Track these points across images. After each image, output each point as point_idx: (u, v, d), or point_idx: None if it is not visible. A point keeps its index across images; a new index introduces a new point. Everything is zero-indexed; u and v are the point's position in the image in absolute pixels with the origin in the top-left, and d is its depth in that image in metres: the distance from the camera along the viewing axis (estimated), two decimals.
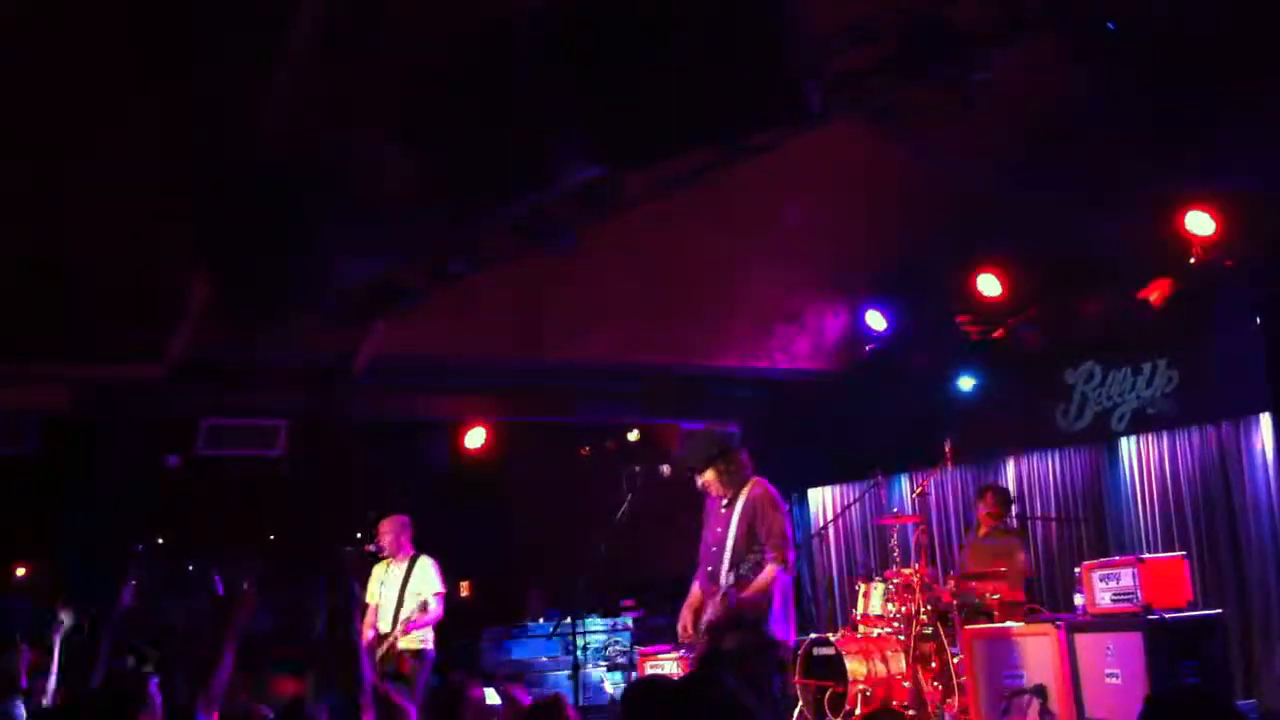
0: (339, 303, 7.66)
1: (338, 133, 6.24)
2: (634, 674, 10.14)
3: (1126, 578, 7.10)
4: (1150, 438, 9.00)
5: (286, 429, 9.73)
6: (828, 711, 8.23)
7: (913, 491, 9.63)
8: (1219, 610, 7.68)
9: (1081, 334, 9.11)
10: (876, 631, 8.56)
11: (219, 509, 11.47)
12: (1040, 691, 7.23)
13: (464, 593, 12.72)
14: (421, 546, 8.69)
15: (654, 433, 11.79)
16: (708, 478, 6.56)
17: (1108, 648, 7.02)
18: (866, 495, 10.75)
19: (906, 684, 8.09)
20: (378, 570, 8.69)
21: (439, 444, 11.33)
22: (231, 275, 6.86)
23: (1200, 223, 7.83)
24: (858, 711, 8.03)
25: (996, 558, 8.49)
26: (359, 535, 9.60)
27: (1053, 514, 9.66)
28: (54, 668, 6.74)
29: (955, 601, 8.13)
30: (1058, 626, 7.31)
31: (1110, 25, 6.11)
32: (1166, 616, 6.91)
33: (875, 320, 10.22)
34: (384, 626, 8.39)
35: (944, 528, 10.49)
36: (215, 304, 7.68)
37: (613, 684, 10.73)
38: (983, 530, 8.91)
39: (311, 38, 5.90)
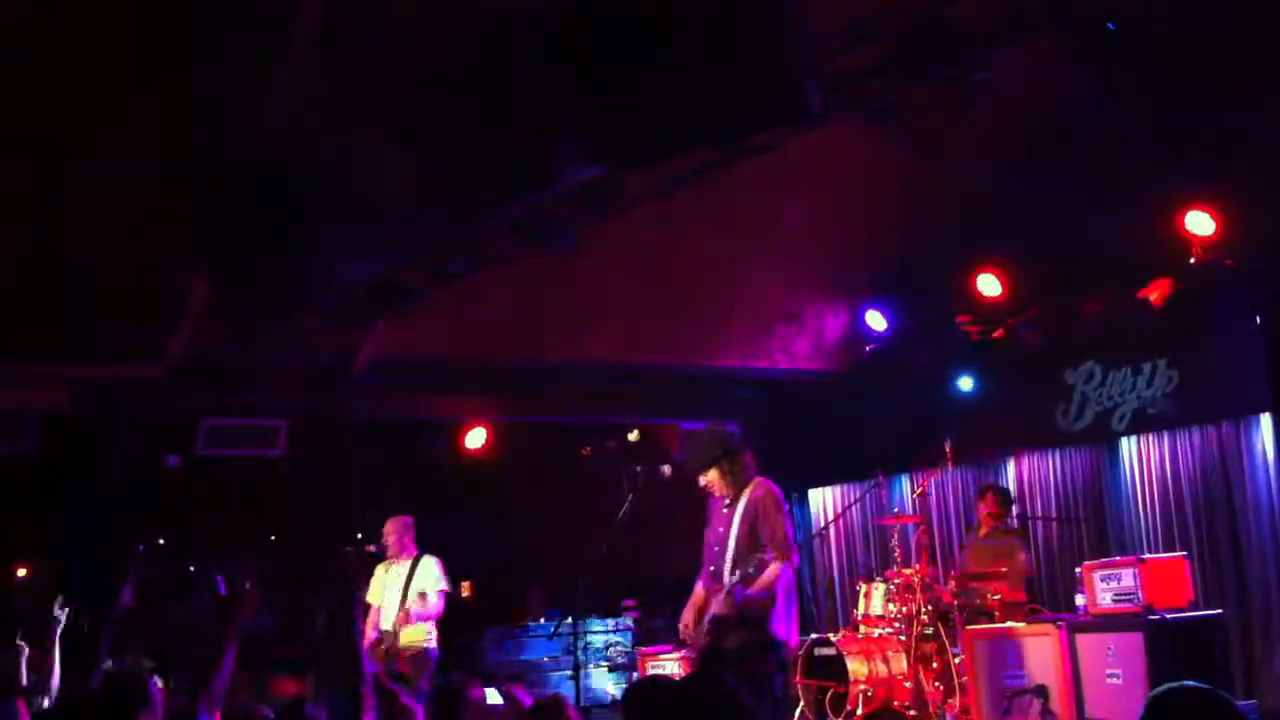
0: (339, 303, 7.65)
1: (338, 133, 6.24)
2: (635, 674, 10.14)
3: (1127, 578, 7.10)
4: (1151, 438, 9.00)
5: (286, 429, 9.73)
6: (829, 712, 8.23)
7: (913, 491, 9.63)
8: (1220, 610, 7.68)
9: (1082, 334, 9.10)
10: (878, 632, 8.56)
11: (219, 509, 11.47)
12: (1041, 692, 7.23)
13: (465, 593, 12.72)
14: (423, 547, 8.70)
15: (655, 433, 11.79)
16: (710, 478, 6.55)
17: (1109, 648, 7.02)
18: (867, 495, 10.75)
19: (908, 684, 8.09)
20: (379, 571, 8.70)
21: (439, 444, 11.33)
22: (231, 275, 6.86)
23: (1200, 222, 7.83)
24: (859, 712, 8.03)
25: (997, 558, 8.48)
26: (359, 535, 9.61)
27: (1053, 514, 9.66)
28: (55, 666, 6.74)
29: (956, 602, 8.13)
30: (1059, 627, 7.31)
31: (1110, 25, 6.11)
32: (1167, 617, 6.91)
33: (875, 320, 10.22)
34: (386, 627, 8.40)
35: (945, 528, 10.48)
36: (215, 304, 7.68)
37: (614, 684, 10.72)
38: (983, 530, 8.91)
39: (311, 38, 5.90)
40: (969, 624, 7.98)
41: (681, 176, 6.85)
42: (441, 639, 8.60)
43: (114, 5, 5.94)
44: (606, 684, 10.78)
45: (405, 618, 8.30)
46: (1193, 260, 7.97)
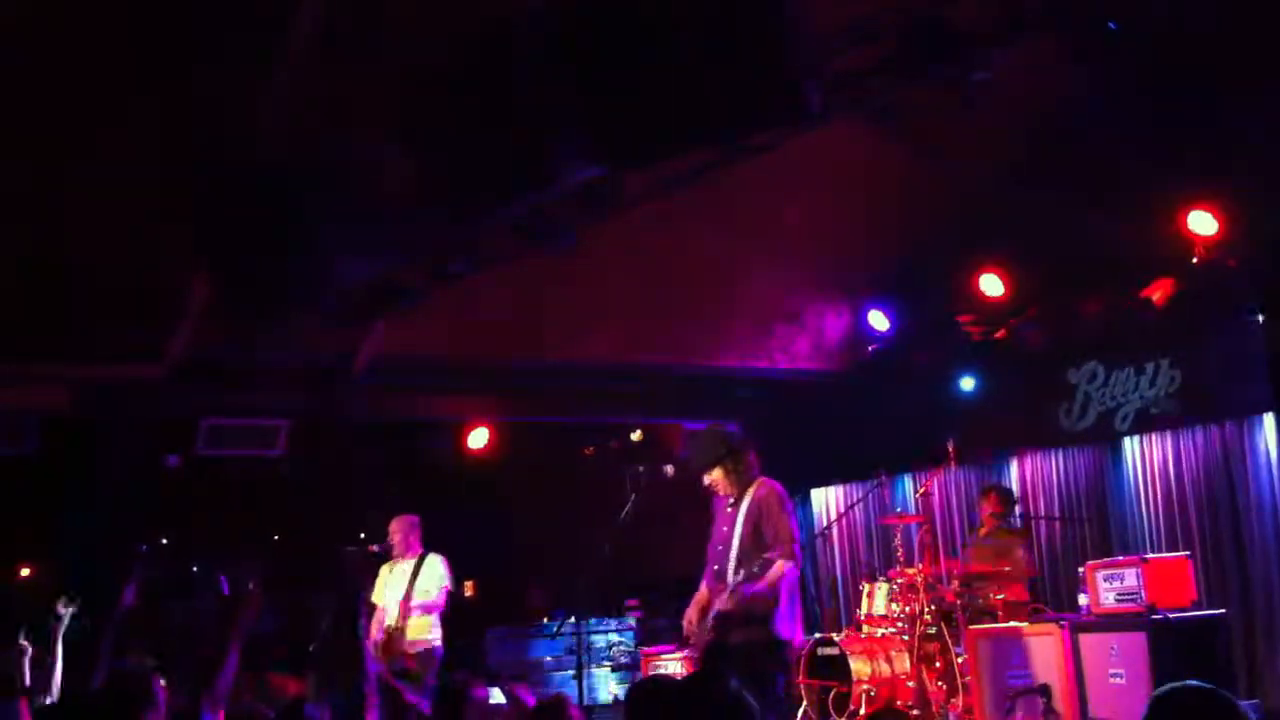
0: (339, 303, 7.65)
1: (338, 133, 6.23)
2: (638, 674, 10.13)
3: (1130, 578, 7.10)
4: (1154, 437, 8.99)
5: (287, 429, 9.73)
6: (832, 711, 8.23)
7: (916, 491, 9.63)
8: (1223, 610, 7.68)
9: (1084, 334, 9.10)
10: (880, 631, 8.55)
11: (220, 509, 11.48)
12: (1044, 691, 7.23)
13: (468, 593, 12.73)
14: (427, 547, 8.72)
15: (658, 433, 11.78)
16: (714, 477, 6.54)
17: (1112, 648, 7.01)
18: (870, 495, 10.74)
19: (911, 684, 8.09)
20: (384, 571, 8.72)
21: (440, 444, 11.33)
22: (231, 275, 6.85)
23: (1203, 222, 7.82)
24: (862, 712, 8.03)
25: (999, 557, 8.49)
26: (362, 535, 9.61)
27: (1056, 514, 9.66)
28: (57, 664, 6.73)
29: (959, 601, 8.12)
30: (1062, 626, 7.31)
31: (1110, 25, 6.11)
32: (1170, 616, 6.91)
33: (878, 320, 10.21)
34: (390, 623, 8.42)
35: (947, 527, 10.47)
36: (215, 304, 7.67)
37: (617, 684, 10.72)
38: (985, 530, 8.91)
39: (311, 38, 5.90)
40: (972, 624, 7.98)
41: (681, 176, 6.85)
42: (445, 638, 8.61)
43: (114, 5, 5.94)
44: (609, 684, 10.77)
45: (407, 609, 8.34)
46: (1195, 260, 7.97)
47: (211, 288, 7.49)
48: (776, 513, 6.35)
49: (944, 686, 8.10)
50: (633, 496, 7.84)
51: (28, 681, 6.73)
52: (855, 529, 11.47)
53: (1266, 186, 7.51)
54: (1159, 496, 8.93)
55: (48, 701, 6.31)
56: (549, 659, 10.81)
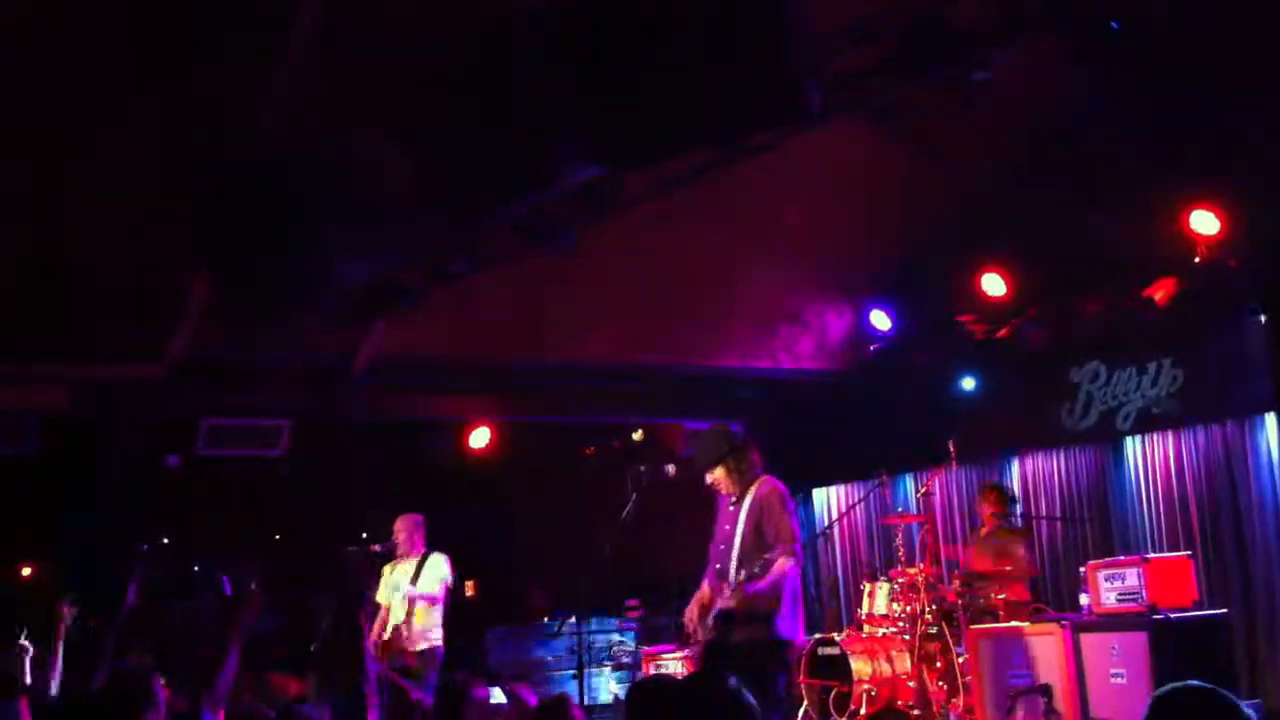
0: (339, 303, 7.65)
1: (338, 133, 6.23)
2: (638, 674, 10.14)
3: (1132, 577, 7.09)
4: (1155, 437, 8.98)
5: (287, 429, 9.73)
6: (833, 711, 8.23)
7: (917, 491, 9.63)
8: (1224, 610, 7.67)
9: (1086, 333, 9.09)
10: (881, 631, 8.55)
11: (220, 509, 11.48)
12: (1045, 691, 7.22)
13: (468, 593, 12.73)
14: (430, 546, 8.73)
15: (659, 432, 11.78)
16: (716, 475, 6.53)
17: (1113, 647, 7.01)
18: (871, 495, 10.74)
19: (911, 684, 8.09)
20: (386, 571, 8.73)
21: (440, 444, 11.33)
22: (231, 275, 6.85)
23: (1204, 222, 7.81)
24: (863, 711, 8.03)
25: (1000, 556, 8.49)
26: (364, 535, 9.61)
27: (1058, 514, 9.65)
28: (58, 663, 6.74)
29: (960, 601, 8.12)
30: (1063, 626, 7.30)
31: (1111, 25, 6.10)
32: (1172, 616, 6.90)
33: (880, 320, 10.21)
34: (396, 622, 8.46)
35: (949, 527, 10.47)
36: (215, 304, 7.68)
37: (617, 684, 10.72)
38: (985, 530, 8.91)
39: (311, 38, 5.89)
40: (973, 623, 7.97)
41: (681, 176, 6.85)
42: (445, 638, 8.62)
43: (114, 5, 5.93)
44: (610, 683, 10.77)
45: (411, 605, 8.37)
46: (1197, 259, 7.96)
47: (211, 288, 7.49)
48: (778, 511, 6.34)
49: (945, 686, 8.10)
50: (633, 496, 7.83)
51: (29, 681, 6.73)
52: (856, 529, 11.46)
53: (1267, 186, 7.51)
54: (1160, 496, 8.92)
55: (49, 701, 6.32)
56: (550, 659, 10.82)
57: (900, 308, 10.10)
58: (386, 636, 8.42)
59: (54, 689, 6.77)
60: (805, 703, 8.45)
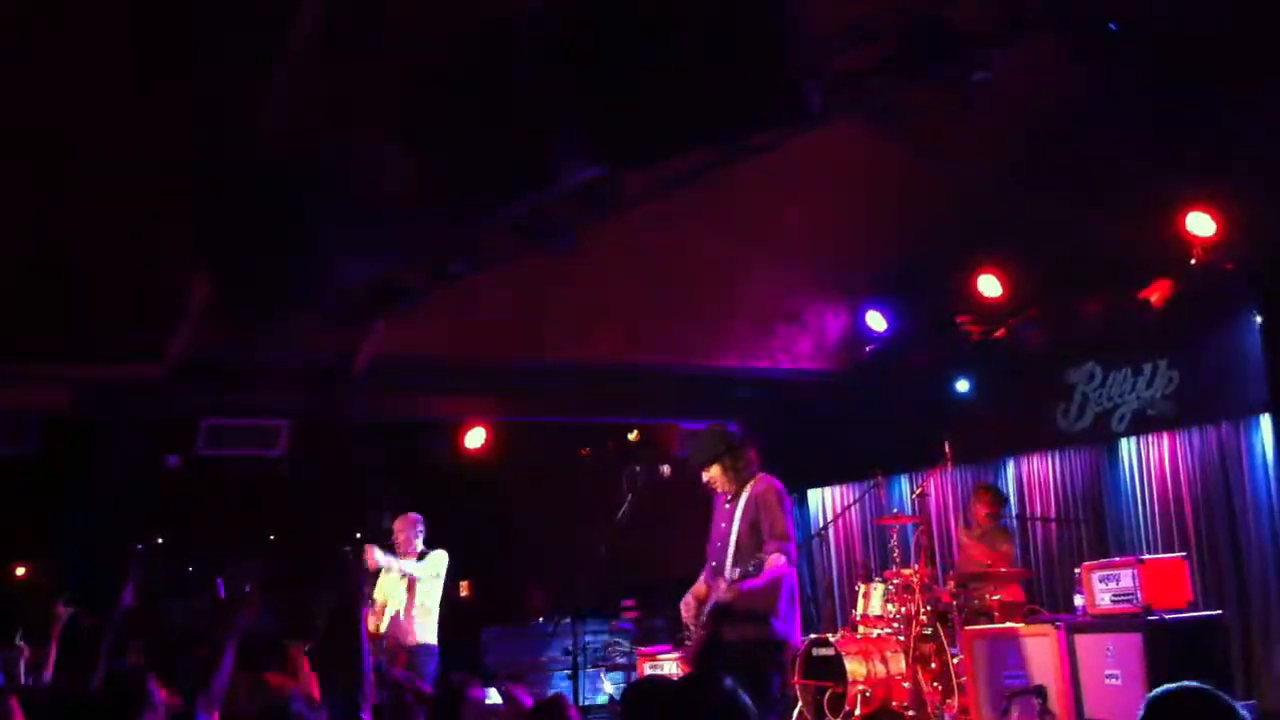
0: (339, 303, 7.66)
1: (338, 133, 6.23)
2: (634, 674, 10.14)
3: (1126, 578, 7.10)
4: (1151, 438, 8.99)
5: (287, 429, 9.73)
6: (827, 712, 8.23)
7: (913, 492, 9.63)
8: (1219, 611, 7.68)
9: (1082, 334, 9.10)
10: (876, 632, 8.56)
11: (219, 509, 11.47)
12: (1040, 692, 7.23)
13: (464, 593, 12.73)
14: (430, 546, 8.75)
15: (655, 433, 11.79)
16: (713, 474, 6.55)
17: (1108, 648, 7.01)
18: (866, 496, 10.75)
19: (906, 684, 8.09)
20: (384, 570, 8.74)
21: (439, 444, 11.33)
22: (231, 275, 6.86)
23: (1201, 223, 7.82)
24: (857, 712, 8.03)
25: (990, 549, 8.57)
26: (359, 535, 9.61)
27: (1053, 515, 9.66)
28: (51, 661, 6.74)
29: (955, 602, 8.13)
30: (1058, 627, 7.31)
31: (1111, 25, 6.11)
32: (1166, 617, 6.91)
33: (875, 321, 10.22)
34: (392, 622, 8.49)
35: (944, 528, 10.48)
36: (215, 304, 7.68)
37: (613, 684, 10.73)
38: (977, 531, 8.96)
39: (311, 38, 5.89)
40: (968, 624, 7.98)
41: (681, 176, 6.86)
42: (441, 638, 8.63)
43: (114, 5, 5.94)
44: (606, 684, 10.78)
45: (411, 603, 8.38)
46: (1193, 261, 7.97)
47: (211, 288, 7.49)
48: (774, 508, 6.35)
49: (939, 687, 8.11)
50: (629, 497, 7.84)
51: (23, 681, 6.73)
52: (852, 529, 11.47)
53: (1266, 187, 7.52)
54: (1155, 497, 8.93)
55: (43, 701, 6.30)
56: (545, 659, 10.82)
57: (898, 308, 10.11)
58: (384, 627, 8.46)
59: (47, 681, 6.78)
60: (800, 703, 8.46)
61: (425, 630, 8.55)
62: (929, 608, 8.21)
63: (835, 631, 8.93)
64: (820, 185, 8.46)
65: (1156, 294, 8.25)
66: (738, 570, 6.20)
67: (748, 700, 3.11)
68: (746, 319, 10.10)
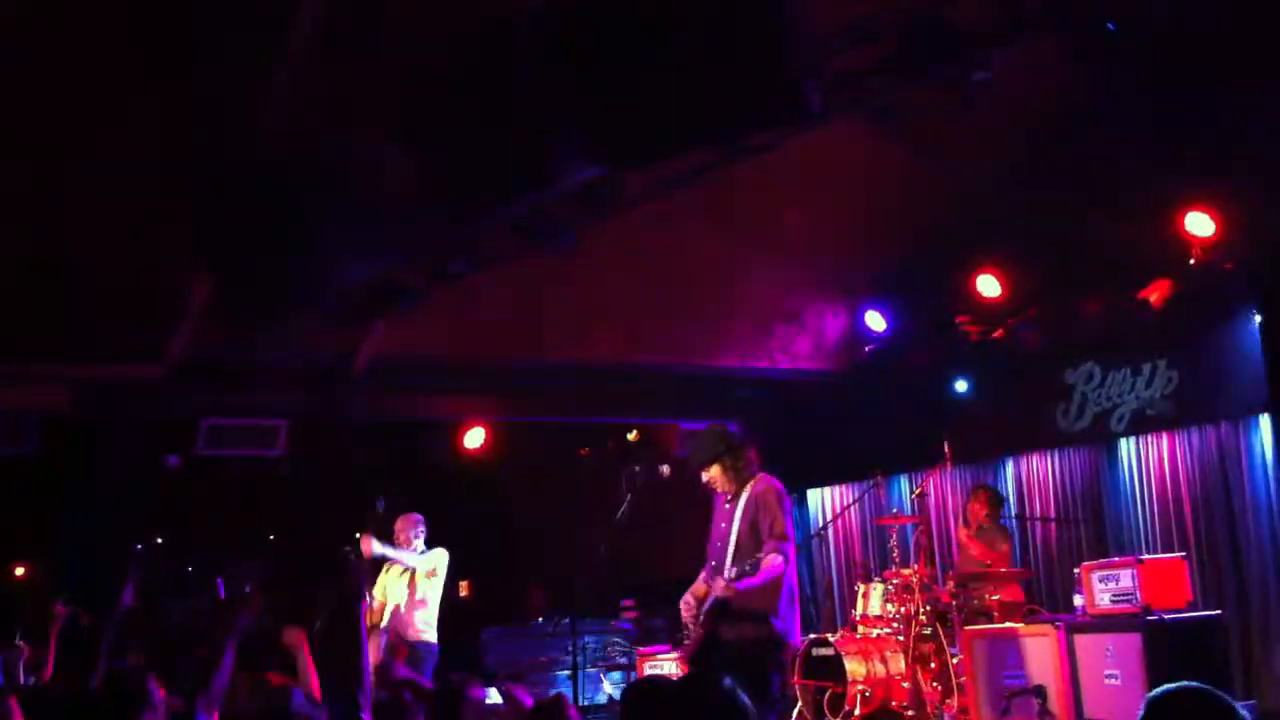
0: (339, 303, 7.66)
1: (338, 133, 6.24)
2: (633, 674, 10.14)
3: (1126, 578, 7.10)
4: (1150, 438, 8.99)
5: (287, 429, 9.73)
6: (827, 712, 8.23)
7: (912, 492, 9.64)
8: (1218, 611, 7.68)
9: (1081, 334, 9.10)
10: (876, 632, 8.56)
11: (219, 509, 11.47)
12: (1039, 692, 7.23)
13: (463, 592, 12.73)
14: (430, 546, 8.76)
15: (654, 433, 11.79)
16: (713, 474, 6.55)
17: (1107, 648, 7.02)
18: (866, 496, 10.75)
19: (906, 684, 8.10)
20: (384, 569, 8.75)
21: (439, 444, 11.33)
22: (231, 275, 6.86)
23: (1200, 223, 7.82)
24: (857, 712, 8.03)
25: (988, 547, 8.59)
26: (357, 535, 9.61)
27: (1052, 515, 9.67)
28: (49, 661, 6.74)
29: (955, 602, 8.14)
30: (1057, 627, 7.31)
31: (1110, 25, 6.11)
32: (1166, 617, 6.91)
33: (875, 321, 10.22)
34: (394, 624, 8.49)
35: (943, 528, 10.48)
36: (215, 304, 7.68)
37: (612, 684, 10.73)
38: (976, 530, 8.97)
39: (311, 38, 5.90)
40: (967, 624, 7.98)
41: (681, 176, 6.86)
42: (441, 638, 8.63)
43: (114, 5, 5.94)
44: (605, 684, 10.78)
45: (411, 602, 8.38)
46: (1192, 261, 7.97)
47: (211, 288, 7.50)
48: (773, 508, 6.36)
49: (939, 687, 8.11)
50: (628, 497, 7.85)
51: (23, 681, 6.72)
52: (851, 529, 11.48)
53: (1266, 187, 7.52)
54: (1155, 497, 8.93)
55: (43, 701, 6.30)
56: (544, 659, 10.83)
57: (898, 308, 10.11)
58: (385, 621, 8.47)
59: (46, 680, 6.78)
60: (800, 703, 8.46)
61: (426, 626, 8.55)
62: (928, 608, 8.21)
63: (835, 631, 8.93)
64: (820, 185, 8.46)
65: (1156, 294, 8.25)
66: (735, 569, 6.20)
67: (747, 700, 3.11)
68: (746, 319, 10.11)
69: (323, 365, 9.19)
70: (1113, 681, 6.94)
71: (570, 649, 9.28)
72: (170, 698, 4.46)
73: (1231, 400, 8.29)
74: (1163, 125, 7.53)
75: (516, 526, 13.13)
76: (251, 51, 6.05)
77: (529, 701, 4.83)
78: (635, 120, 5.43)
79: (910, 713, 7.95)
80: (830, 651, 8.30)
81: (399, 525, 8.72)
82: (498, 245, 7.39)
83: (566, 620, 9.95)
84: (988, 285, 9.20)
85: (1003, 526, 9.02)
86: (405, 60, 5.99)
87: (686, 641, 6.50)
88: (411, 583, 8.56)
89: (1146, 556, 7.63)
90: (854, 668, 8.16)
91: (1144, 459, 9.04)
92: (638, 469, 7.93)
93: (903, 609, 8.34)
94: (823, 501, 11.93)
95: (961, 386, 10.09)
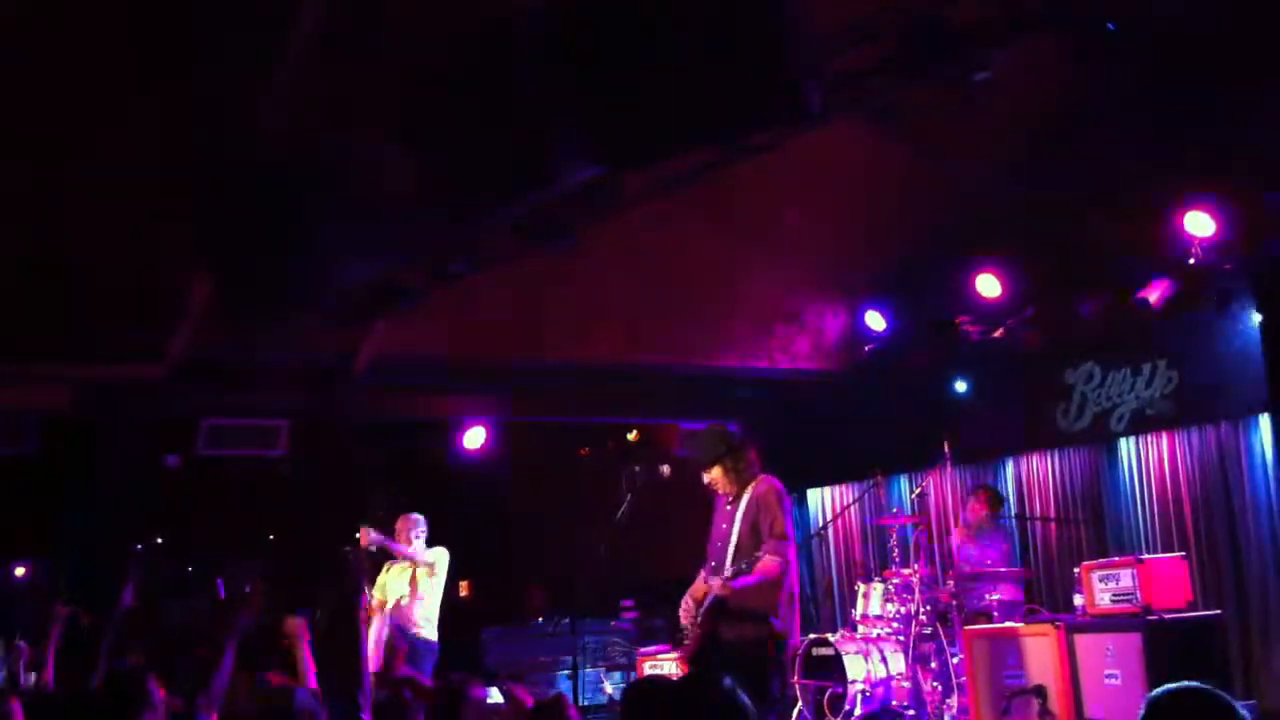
0: (339, 303, 7.66)
1: (338, 133, 6.24)
2: (633, 674, 10.14)
3: (1126, 578, 7.11)
4: (1150, 438, 8.99)
5: (287, 429, 9.74)
6: (827, 712, 8.23)
7: (912, 492, 9.64)
8: (1218, 611, 7.69)
9: (1081, 334, 9.10)
10: (876, 632, 8.56)
11: (219, 509, 11.48)
12: (1040, 692, 7.23)
13: (463, 592, 12.74)
14: (431, 545, 8.77)
15: (654, 433, 11.79)
16: (714, 474, 6.55)
17: (1107, 648, 7.02)
18: (866, 495, 10.76)
19: (906, 684, 8.10)
20: (385, 569, 8.76)
21: (439, 444, 11.33)
22: (231, 275, 6.86)
23: (1200, 223, 7.82)
24: (857, 712, 8.03)
25: (988, 546, 8.59)
26: (355, 535, 9.62)
27: (1052, 514, 9.67)
28: (49, 661, 6.74)
29: (955, 602, 8.14)
30: (1057, 627, 7.31)
31: (1110, 25, 6.11)
32: (1166, 617, 6.92)
33: (875, 320, 10.22)
34: (399, 622, 8.52)
35: (943, 528, 10.47)
36: (215, 304, 7.68)
37: (612, 684, 10.73)
38: (975, 530, 8.98)
39: (311, 38, 5.90)
40: (968, 624, 7.99)
41: (681, 176, 6.85)
42: (441, 638, 8.64)
43: (114, 5, 5.94)
44: (605, 684, 10.78)
45: (412, 600, 8.38)
46: (1192, 260, 7.97)
47: (211, 288, 7.50)
48: (774, 509, 6.36)
49: (939, 687, 8.11)
50: (628, 497, 7.84)
51: (23, 682, 6.72)
52: (851, 529, 11.48)
53: (1266, 186, 7.52)
54: (1155, 497, 8.93)
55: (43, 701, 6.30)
56: (545, 659, 10.83)
57: (898, 308, 10.11)
58: (388, 611, 8.49)
59: (45, 686, 6.78)
60: (800, 703, 8.46)
61: (426, 622, 8.57)
62: (929, 607, 8.22)
63: (835, 631, 8.93)
64: (820, 185, 8.46)
65: (1156, 294, 8.24)
66: (732, 569, 6.21)
67: (747, 700, 3.11)
68: (746, 319, 10.11)
69: (323, 365, 9.19)
70: (1113, 681, 6.94)
71: (570, 649, 9.28)
72: (170, 698, 4.46)
73: (1231, 400, 8.29)
74: (1163, 125, 7.53)
75: (516, 527, 13.13)
76: (251, 51, 6.04)
77: (529, 701, 4.84)
78: (635, 120, 5.43)
79: (910, 712, 7.95)
80: (830, 651, 8.30)
81: (399, 525, 8.74)
82: (498, 245, 7.39)
83: (566, 620, 9.95)
84: (988, 285, 9.20)
85: (1002, 527, 9.04)
86: (405, 60, 5.99)
87: (686, 642, 6.50)
88: (413, 579, 8.58)
89: (1146, 556, 7.63)
90: (854, 667, 8.16)
91: (1144, 459, 9.04)
92: (638, 469, 7.92)
93: (903, 609, 8.35)
94: (823, 501, 11.93)
95: (961, 386, 10.09)
